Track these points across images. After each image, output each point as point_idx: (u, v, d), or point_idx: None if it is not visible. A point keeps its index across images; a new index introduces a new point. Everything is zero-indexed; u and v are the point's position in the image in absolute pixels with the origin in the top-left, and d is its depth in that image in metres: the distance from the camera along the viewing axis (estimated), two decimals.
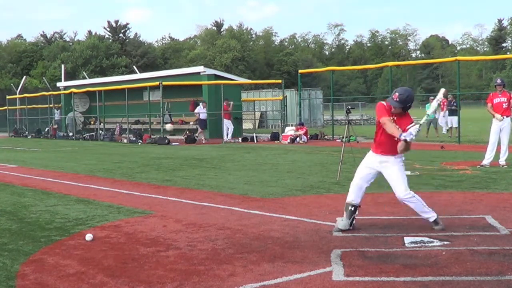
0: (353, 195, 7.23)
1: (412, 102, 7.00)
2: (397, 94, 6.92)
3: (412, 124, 6.85)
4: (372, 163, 7.20)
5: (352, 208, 7.17)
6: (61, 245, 6.94)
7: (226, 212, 8.79)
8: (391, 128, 6.82)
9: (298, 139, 25.80)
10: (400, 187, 7.02)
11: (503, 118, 13.78)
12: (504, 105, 13.92)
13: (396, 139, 6.78)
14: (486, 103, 14.58)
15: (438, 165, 14.34)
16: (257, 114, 41.39)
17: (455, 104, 25.54)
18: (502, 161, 13.82)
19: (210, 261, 5.97)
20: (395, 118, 6.95)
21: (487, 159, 13.83)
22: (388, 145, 7.03)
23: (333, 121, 30.94)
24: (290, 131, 26.91)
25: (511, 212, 8.11)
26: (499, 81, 14.61)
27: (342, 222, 7.16)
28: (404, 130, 6.72)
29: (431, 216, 7.10)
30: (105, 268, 5.84)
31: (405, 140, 6.63)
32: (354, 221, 7.19)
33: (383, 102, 7.08)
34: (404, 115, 7.01)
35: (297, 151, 20.47)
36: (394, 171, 7.06)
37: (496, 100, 14.08)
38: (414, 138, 6.68)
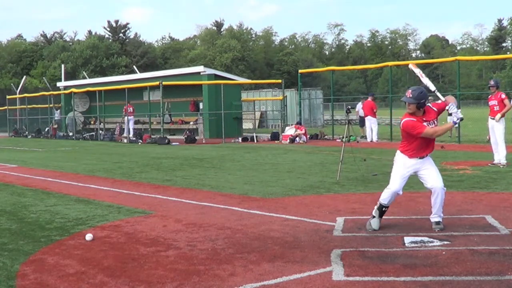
0: (389, 199, 7.26)
1: (426, 99, 7.04)
2: (410, 91, 7.04)
3: (448, 107, 7.12)
4: (413, 166, 7.21)
5: (385, 209, 7.29)
6: (61, 245, 6.95)
7: (226, 212, 8.79)
8: (439, 130, 7.10)
9: (297, 139, 25.79)
10: (441, 179, 7.16)
11: (493, 119, 13.95)
12: (496, 108, 13.91)
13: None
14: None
15: (438, 165, 14.28)
16: (257, 114, 41.35)
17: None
18: (496, 160, 13.86)
19: (210, 261, 5.97)
20: (424, 119, 7.02)
21: (497, 157, 13.91)
22: (429, 147, 7.19)
23: (333, 121, 30.92)
24: (289, 130, 26.89)
25: (511, 212, 8.11)
26: (492, 82, 14.59)
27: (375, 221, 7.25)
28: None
29: (441, 215, 7.17)
30: (105, 268, 5.84)
31: (461, 119, 7.12)
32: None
33: (411, 118, 7.05)
34: (427, 112, 7.10)
35: (297, 151, 20.46)
36: (432, 165, 7.23)
37: (490, 103, 14.13)
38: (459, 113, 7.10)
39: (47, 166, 17.24)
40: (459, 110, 7.15)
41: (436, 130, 7.01)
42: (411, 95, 6.96)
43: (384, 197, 7.25)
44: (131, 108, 31.72)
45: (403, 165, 7.22)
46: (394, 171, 7.29)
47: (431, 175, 7.15)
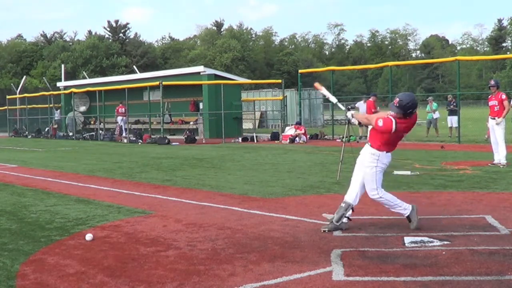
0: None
1: (414, 108, 6.85)
2: (397, 99, 6.87)
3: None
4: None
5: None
6: (61, 245, 6.94)
7: (226, 212, 8.78)
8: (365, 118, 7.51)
9: (297, 139, 25.79)
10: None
11: (494, 119, 13.95)
12: (496, 108, 13.91)
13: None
14: None
15: (438, 165, 14.32)
16: (257, 114, 41.35)
17: (455, 104, 25.52)
18: (496, 160, 13.87)
19: (210, 261, 5.97)
20: (405, 124, 6.95)
21: (497, 157, 13.92)
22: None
23: (333, 121, 30.93)
24: (289, 130, 26.91)
25: (511, 212, 8.11)
26: (492, 82, 14.59)
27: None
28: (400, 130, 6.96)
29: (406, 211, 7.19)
30: (105, 268, 5.83)
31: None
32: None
33: (393, 121, 6.90)
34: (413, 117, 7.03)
35: (297, 151, 20.47)
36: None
37: (491, 103, 14.13)
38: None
39: (47, 166, 17.24)
40: (349, 113, 7.33)
41: (369, 118, 7.34)
42: (397, 104, 6.82)
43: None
44: (123, 109, 31.94)
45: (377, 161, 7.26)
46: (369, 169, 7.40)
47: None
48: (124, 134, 31.47)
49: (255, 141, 27.68)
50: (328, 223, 7.21)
